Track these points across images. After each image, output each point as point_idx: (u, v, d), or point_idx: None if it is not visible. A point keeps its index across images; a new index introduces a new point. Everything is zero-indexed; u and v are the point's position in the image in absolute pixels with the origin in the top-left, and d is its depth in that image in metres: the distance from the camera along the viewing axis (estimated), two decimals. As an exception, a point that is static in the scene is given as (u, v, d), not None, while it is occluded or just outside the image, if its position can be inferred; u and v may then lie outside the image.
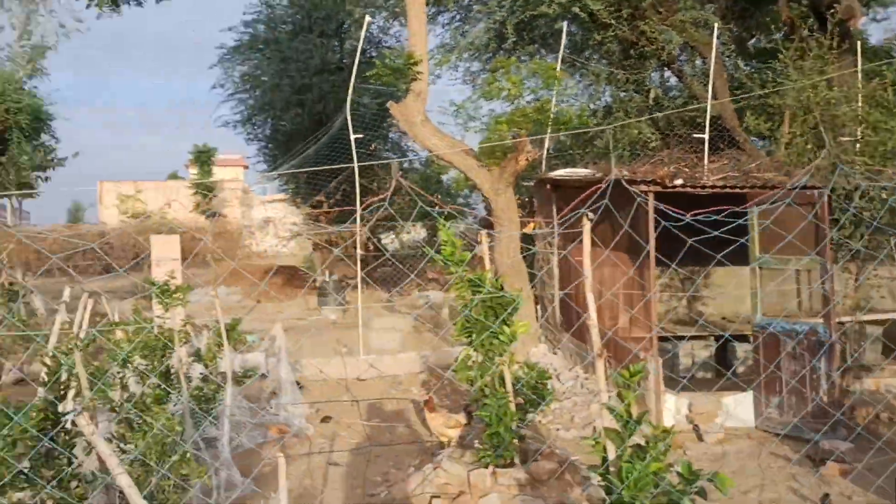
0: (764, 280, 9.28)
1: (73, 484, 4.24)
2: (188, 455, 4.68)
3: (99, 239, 21.56)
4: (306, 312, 17.22)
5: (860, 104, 11.89)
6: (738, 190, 9.31)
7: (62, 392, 4.51)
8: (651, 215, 8.52)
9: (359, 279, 13.00)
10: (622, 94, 16.78)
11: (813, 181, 9.21)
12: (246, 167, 39.31)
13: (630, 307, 9.60)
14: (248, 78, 22.98)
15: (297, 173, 18.84)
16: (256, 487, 6.53)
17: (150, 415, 5.09)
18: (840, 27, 12.79)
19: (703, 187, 9.26)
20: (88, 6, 14.88)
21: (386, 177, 18.23)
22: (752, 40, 19.10)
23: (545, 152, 13.15)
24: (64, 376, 4.66)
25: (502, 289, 6.82)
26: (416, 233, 22.09)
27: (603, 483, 4.27)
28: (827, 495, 6.93)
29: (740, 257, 8.84)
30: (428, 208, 11.23)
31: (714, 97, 14.05)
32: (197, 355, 7.87)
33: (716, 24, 14.35)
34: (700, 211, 6.61)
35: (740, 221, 6.95)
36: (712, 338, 10.41)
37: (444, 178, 23.02)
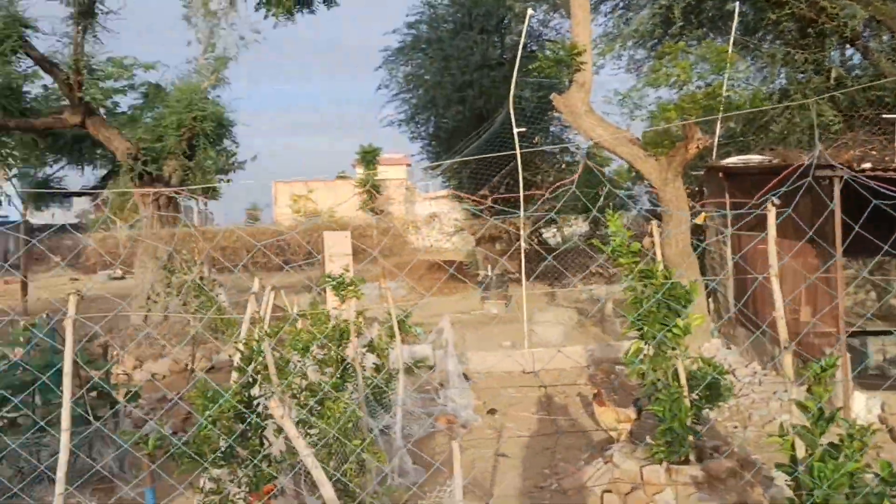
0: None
1: (265, 464, 4.49)
2: (369, 440, 4.85)
3: (276, 237, 22.79)
4: (469, 306, 17.45)
5: None
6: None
7: (253, 378, 4.79)
8: (837, 202, 7.97)
9: (522, 273, 13.01)
10: (800, 76, 15.79)
11: None
12: (409, 165, 40.29)
13: (813, 300, 9.03)
14: (411, 78, 23.53)
15: (460, 170, 19.12)
16: (428, 475, 6.68)
17: (330, 402, 5.32)
18: None
19: (896, 171, 8.55)
20: (266, 17, 15.77)
21: (549, 170, 18.17)
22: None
23: (716, 139, 12.62)
24: (254, 364, 4.95)
25: (674, 281, 6.61)
26: (577, 226, 21.84)
27: (790, 483, 4.04)
28: None
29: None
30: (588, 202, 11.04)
31: (904, 74, 12.96)
32: (370, 346, 8.17)
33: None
34: None
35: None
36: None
37: (606, 170, 22.60)
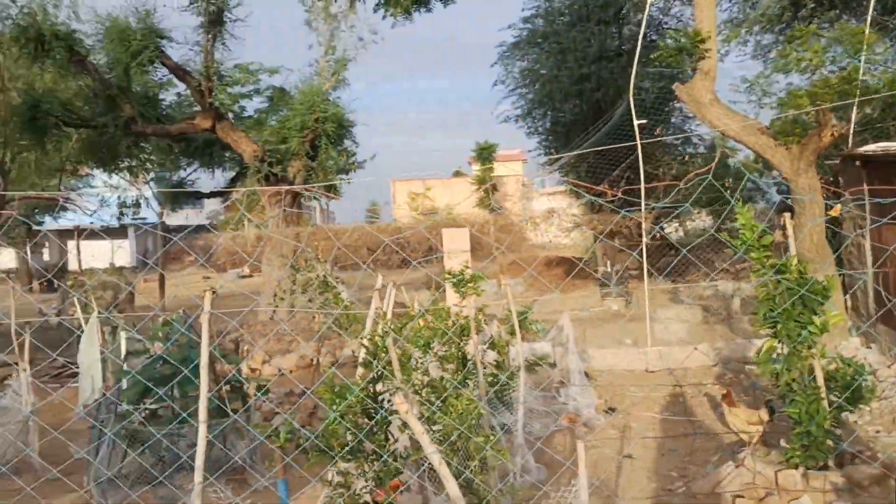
0: None
1: (391, 459, 4.55)
2: (492, 437, 4.84)
3: (395, 235, 23.16)
4: (588, 303, 17.19)
5: None
6: None
7: (378, 374, 4.87)
8: None
9: (644, 269, 12.71)
10: (944, 56, 14.70)
11: None
12: (525, 161, 40.09)
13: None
14: (527, 72, 23.39)
15: (578, 164, 18.86)
16: (553, 475, 6.60)
17: (452, 398, 5.33)
18: None
19: None
20: (384, 17, 16.05)
21: (672, 163, 17.66)
22: None
23: (852, 126, 11.91)
24: (378, 360, 5.03)
25: (809, 276, 6.28)
26: (700, 220, 21.14)
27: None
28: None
29: None
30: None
31: None
32: (490, 343, 8.17)
33: None
34: None
35: None
36: None
37: (731, 161, 21.76)
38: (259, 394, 8.04)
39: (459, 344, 6.90)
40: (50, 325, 17.18)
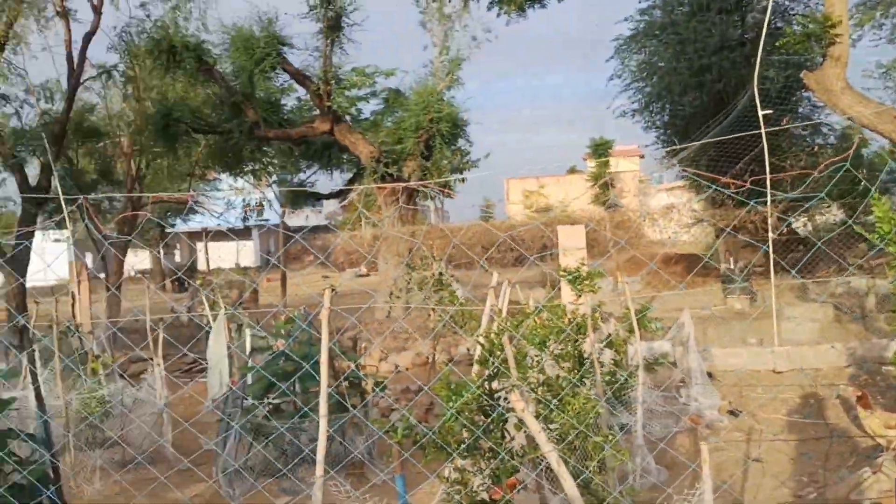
0: None
1: (508, 457, 4.52)
2: (610, 437, 4.73)
3: (509, 232, 23.13)
4: (710, 301, 16.63)
5: None
6: None
7: (494, 371, 4.85)
8: None
9: (771, 265, 12.17)
10: None
11: None
12: (642, 157, 39.26)
13: None
14: (644, 65, 22.85)
15: (698, 159, 18.28)
16: (677, 478, 6.41)
17: (568, 397, 5.25)
18: None
19: None
20: (498, 15, 16.05)
21: (800, 154, 16.85)
22: None
23: None
24: (494, 357, 5.01)
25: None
26: (830, 214, 20.09)
27: None
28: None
29: None
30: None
31: None
32: (607, 341, 8.00)
33: None
34: None
35: None
36: None
37: (864, 151, 20.59)
38: (378, 389, 8.18)
39: (576, 342, 6.78)
40: (181, 323, 18.08)
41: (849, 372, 10.76)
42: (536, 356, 6.35)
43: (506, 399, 4.69)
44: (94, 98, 22.47)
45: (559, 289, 12.35)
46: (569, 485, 3.97)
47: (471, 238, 28.73)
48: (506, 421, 4.73)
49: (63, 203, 9.46)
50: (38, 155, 18.90)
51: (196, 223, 33.71)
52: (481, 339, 5.13)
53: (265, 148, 21.08)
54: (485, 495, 4.45)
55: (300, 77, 17.22)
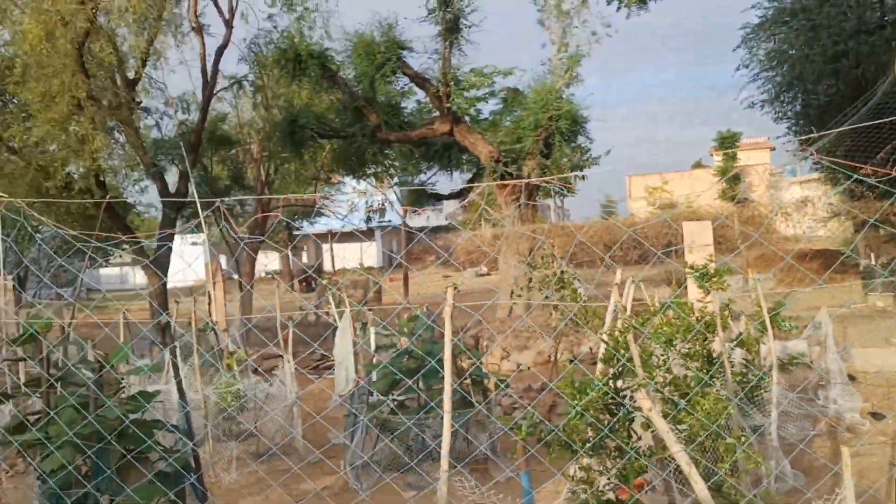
0: None
1: (635, 457, 4.44)
2: (743, 440, 4.56)
3: (633, 227, 22.67)
4: (849, 299, 15.76)
5: None
6: None
7: (619, 370, 4.77)
8: None
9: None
10: None
11: None
12: (772, 149, 37.62)
13: None
14: (773, 54, 21.85)
15: (834, 150, 17.33)
16: (815, 483, 6.11)
17: (698, 397, 5.09)
18: None
19: None
20: (618, 9, 15.75)
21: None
22: None
23: None
24: (619, 356, 4.92)
25: None
26: None
27: None
28: None
29: None
30: None
31: None
32: (737, 340, 7.71)
33: None
34: None
35: None
36: None
37: None
38: (503, 386, 8.21)
39: (704, 341, 6.57)
40: (309, 321, 18.70)
41: None
42: (662, 355, 6.20)
43: (631, 398, 4.60)
44: (226, 108, 23.67)
45: (685, 287, 12.02)
46: (700, 487, 3.86)
47: (592, 236, 28.34)
48: (632, 420, 4.64)
49: (199, 207, 9.97)
50: (177, 163, 20.05)
51: (322, 225, 34.80)
52: (606, 337, 5.05)
53: (387, 150, 21.50)
54: (611, 495, 4.38)
55: (420, 80, 17.47)
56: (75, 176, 16.59)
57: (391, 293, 24.43)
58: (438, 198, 23.11)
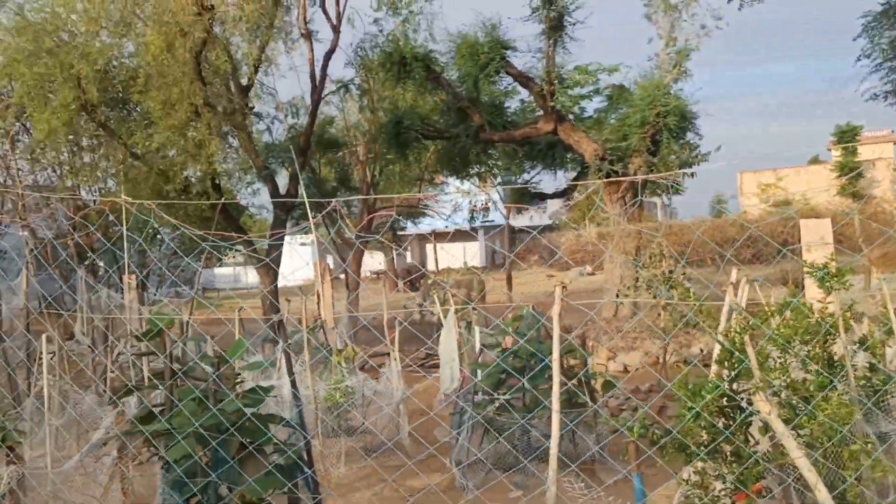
0: None
1: (753, 462, 4.28)
2: (869, 447, 4.32)
3: (755, 224, 21.90)
4: None
5: None
6: None
7: (735, 372, 4.61)
8: None
9: None
10: None
11: None
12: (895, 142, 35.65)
13: None
14: (897, 42, 20.73)
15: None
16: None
17: (821, 402, 4.87)
18: None
19: None
20: (729, 1, 15.25)
21: None
22: None
23: None
24: (735, 358, 4.76)
25: None
26: None
27: None
28: None
29: None
30: None
31: None
32: (861, 343, 7.33)
33: None
34: None
35: None
36: None
37: None
38: (617, 387, 8.08)
39: (824, 343, 6.27)
40: (414, 321, 18.92)
41: None
42: (780, 358, 5.96)
43: (748, 401, 4.44)
44: (334, 111, 24.25)
45: (803, 287, 11.51)
46: (823, 495, 3.69)
47: (701, 235, 27.53)
48: (749, 424, 4.48)
49: (308, 208, 10.25)
50: (287, 166, 20.67)
51: (426, 225, 35.16)
52: (722, 338, 4.90)
53: (490, 150, 21.51)
54: (727, 501, 4.24)
55: (523, 79, 17.41)
56: (193, 179, 17.36)
57: (495, 292, 24.44)
58: (542, 197, 22.97)
